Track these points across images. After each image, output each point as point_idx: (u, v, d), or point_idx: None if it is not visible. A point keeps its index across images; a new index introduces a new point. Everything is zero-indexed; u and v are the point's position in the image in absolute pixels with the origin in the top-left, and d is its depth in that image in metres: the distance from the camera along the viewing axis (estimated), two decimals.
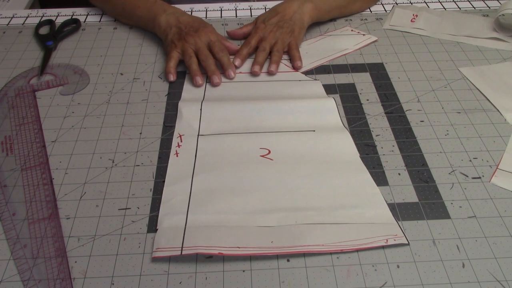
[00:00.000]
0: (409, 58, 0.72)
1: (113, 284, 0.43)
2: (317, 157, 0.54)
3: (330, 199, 0.49)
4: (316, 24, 0.79)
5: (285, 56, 0.72)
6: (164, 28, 0.72)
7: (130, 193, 0.51)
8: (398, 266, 0.44)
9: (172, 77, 0.67)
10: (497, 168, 0.54)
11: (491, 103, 0.63)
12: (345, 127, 0.59)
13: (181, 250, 0.44)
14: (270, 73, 0.68)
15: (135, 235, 0.47)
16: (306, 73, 0.69)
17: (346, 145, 0.56)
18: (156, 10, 0.74)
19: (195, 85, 0.66)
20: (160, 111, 0.62)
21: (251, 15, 0.84)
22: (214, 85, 0.66)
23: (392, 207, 0.49)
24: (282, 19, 0.73)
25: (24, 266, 0.44)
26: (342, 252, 0.45)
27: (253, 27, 0.75)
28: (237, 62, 0.69)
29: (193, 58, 0.68)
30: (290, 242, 0.45)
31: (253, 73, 0.68)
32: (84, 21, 0.82)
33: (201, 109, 0.61)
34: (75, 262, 0.45)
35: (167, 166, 0.54)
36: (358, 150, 0.56)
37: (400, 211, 0.49)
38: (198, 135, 0.58)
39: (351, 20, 0.81)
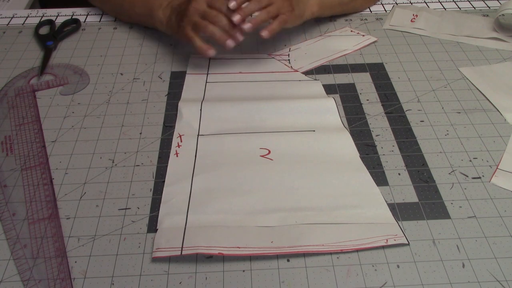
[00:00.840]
0: (409, 58, 0.72)
1: (113, 284, 0.43)
2: (317, 157, 0.54)
3: (330, 199, 0.49)
4: (316, 24, 0.79)
5: (285, 57, 0.72)
6: (166, 22, 0.71)
7: (130, 193, 0.51)
8: (398, 266, 0.44)
9: (211, 52, 0.63)
10: (497, 168, 0.54)
11: (491, 103, 0.63)
12: (345, 127, 0.59)
13: (181, 250, 0.44)
14: (261, 36, 0.62)
15: (135, 235, 0.47)
16: (306, 73, 0.69)
17: (346, 145, 0.56)
18: (151, 5, 0.73)
19: (227, 47, 0.62)
20: (160, 111, 0.62)
21: None
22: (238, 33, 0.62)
23: (392, 207, 0.49)
24: None
25: (24, 266, 0.44)
26: (342, 252, 0.45)
27: None
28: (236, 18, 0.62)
29: (209, 25, 0.62)
30: (290, 242, 0.45)
31: (235, 18, 0.61)
32: (84, 21, 0.82)
33: (201, 109, 0.61)
34: (75, 262, 0.45)
35: (167, 166, 0.54)
36: (358, 150, 0.56)
37: (400, 211, 0.49)
38: (198, 135, 0.58)
39: (351, 20, 0.81)
